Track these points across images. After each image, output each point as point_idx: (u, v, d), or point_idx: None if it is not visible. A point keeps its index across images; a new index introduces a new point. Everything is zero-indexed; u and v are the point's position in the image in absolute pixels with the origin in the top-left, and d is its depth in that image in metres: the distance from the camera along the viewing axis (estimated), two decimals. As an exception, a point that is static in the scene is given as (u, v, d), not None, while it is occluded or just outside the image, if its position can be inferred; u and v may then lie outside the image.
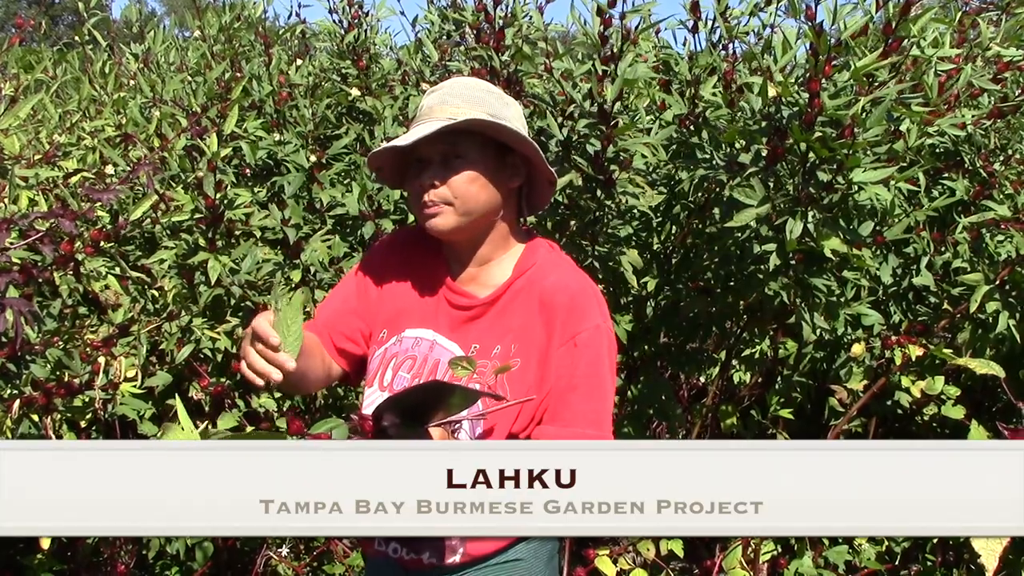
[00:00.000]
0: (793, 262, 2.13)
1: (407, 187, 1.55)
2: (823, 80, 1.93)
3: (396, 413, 1.19)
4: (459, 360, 1.32)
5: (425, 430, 1.26)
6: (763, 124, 2.07)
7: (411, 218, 2.38)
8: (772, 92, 1.97)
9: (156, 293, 2.37)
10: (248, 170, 2.78)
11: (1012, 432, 1.04)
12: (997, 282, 2.35)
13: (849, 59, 2.00)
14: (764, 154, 2.06)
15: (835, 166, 2.01)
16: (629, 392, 2.68)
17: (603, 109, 2.07)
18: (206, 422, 1.95)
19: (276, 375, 1.29)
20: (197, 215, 2.33)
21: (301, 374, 1.46)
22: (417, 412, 1.23)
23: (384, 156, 1.50)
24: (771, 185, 2.04)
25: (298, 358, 1.32)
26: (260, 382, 1.31)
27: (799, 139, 1.95)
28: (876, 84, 2.14)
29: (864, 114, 1.92)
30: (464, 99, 1.47)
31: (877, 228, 2.36)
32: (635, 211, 2.40)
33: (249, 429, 2.26)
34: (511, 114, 1.51)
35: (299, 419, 1.11)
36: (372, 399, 1.52)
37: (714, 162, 2.21)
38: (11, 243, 1.72)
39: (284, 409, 2.44)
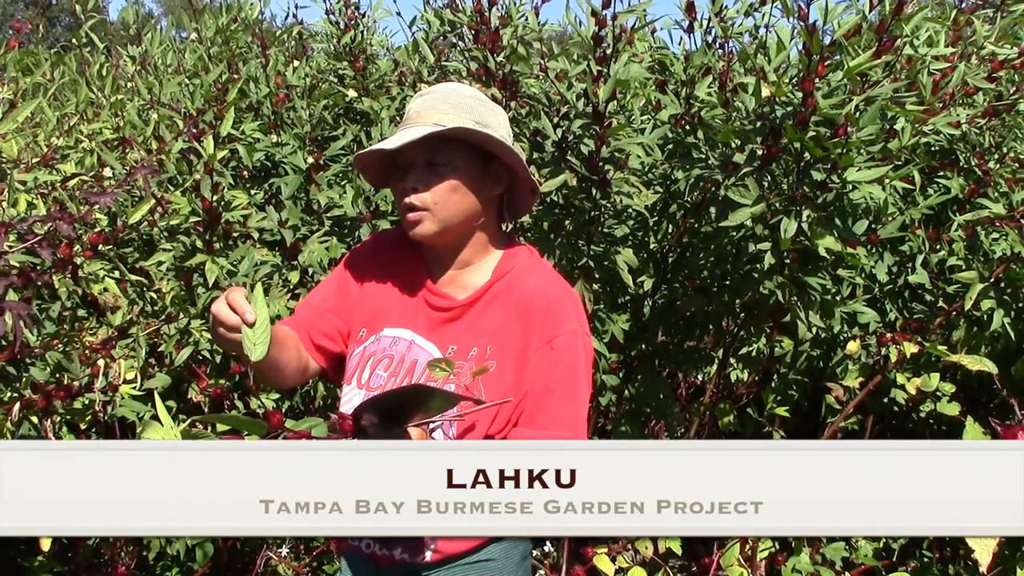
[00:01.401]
0: (788, 261, 2.14)
1: (391, 187, 1.57)
2: (817, 80, 1.93)
3: (375, 413, 1.20)
4: (438, 362, 1.33)
5: (404, 430, 1.27)
6: (757, 124, 2.08)
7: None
8: (766, 92, 1.98)
9: (154, 295, 2.38)
10: (246, 172, 2.79)
11: (1006, 429, 1.05)
12: (992, 280, 2.37)
13: (843, 58, 2.00)
14: (759, 154, 2.06)
15: (829, 165, 2.02)
16: (627, 390, 2.68)
17: (597, 109, 2.08)
18: (189, 420, 1.96)
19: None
20: (194, 218, 2.33)
21: (274, 363, 1.49)
22: (396, 413, 1.24)
23: (369, 156, 1.51)
24: (766, 184, 2.05)
25: (272, 349, 1.34)
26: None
27: (793, 138, 1.95)
28: (870, 83, 2.15)
29: (858, 113, 1.93)
30: (452, 105, 1.49)
31: (872, 227, 2.37)
32: (631, 211, 2.40)
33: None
34: (497, 122, 1.52)
35: (281, 413, 1.11)
36: (350, 396, 1.55)
37: (709, 162, 2.22)
38: (10, 247, 1.72)
39: (284, 409, 2.44)
